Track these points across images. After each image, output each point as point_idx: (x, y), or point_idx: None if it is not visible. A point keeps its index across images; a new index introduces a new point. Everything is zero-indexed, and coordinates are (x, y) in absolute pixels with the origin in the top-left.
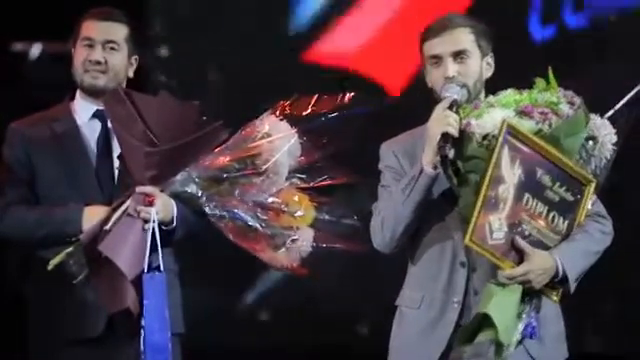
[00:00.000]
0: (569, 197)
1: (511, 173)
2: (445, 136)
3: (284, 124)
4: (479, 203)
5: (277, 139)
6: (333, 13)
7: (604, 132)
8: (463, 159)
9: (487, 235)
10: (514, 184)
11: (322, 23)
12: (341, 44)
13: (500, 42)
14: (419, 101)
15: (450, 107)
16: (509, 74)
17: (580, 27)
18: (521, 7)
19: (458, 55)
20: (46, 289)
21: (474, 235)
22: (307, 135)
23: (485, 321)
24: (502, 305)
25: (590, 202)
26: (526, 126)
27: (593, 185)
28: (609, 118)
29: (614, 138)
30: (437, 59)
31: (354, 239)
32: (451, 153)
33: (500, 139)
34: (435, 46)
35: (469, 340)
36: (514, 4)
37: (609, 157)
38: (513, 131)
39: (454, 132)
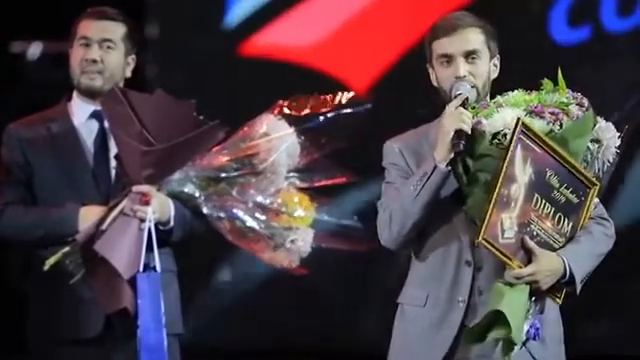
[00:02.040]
0: (574, 199)
1: (522, 172)
2: (459, 133)
3: (282, 123)
4: (493, 200)
5: (275, 138)
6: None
7: (608, 135)
8: (473, 157)
9: (499, 234)
10: (525, 184)
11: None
12: (292, 38)
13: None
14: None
15: (462, 105)
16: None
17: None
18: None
19: (469, 55)
20: (45, 289)
21: (486, 233)
22: (306, 134)
23: (497, 320)
24: (513, 304)
25: (593, 205)
26: (537, 126)
27: (597, 188)
28: (613, 122)
29: (618, 141)
30: (448, 58)
31: (354, 239)
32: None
33: (514, 136)
34: (446, 45)
35: (478, 340)
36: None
37: (612, 160)
38: (526, 130)
39: (468, 129)
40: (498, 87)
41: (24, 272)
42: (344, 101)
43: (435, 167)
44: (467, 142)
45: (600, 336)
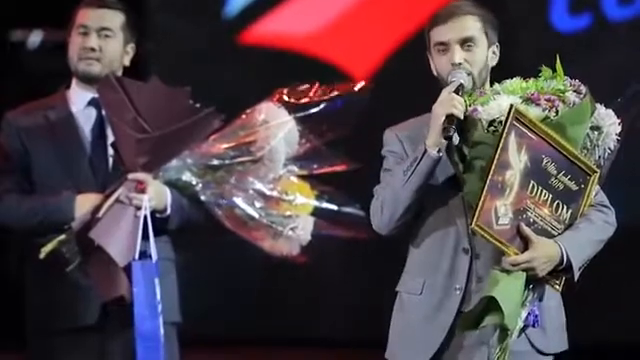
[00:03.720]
0: (573, 186)
1: (517, 159)
2: (450, 118)
3: (281, 111)
4: (485, 187)
5: (273, 126)
6: None
7: (609, 122)
8: (469, 145)
9: (493, 220)
10: (520, 170)
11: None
12: (292, 27)
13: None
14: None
15: (456, 92)
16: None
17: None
18: None
19: (465, 42)
20: (42, 277)
21: (480, 219)
22: (306, 122)
23: (490, 306)
24: (507, 290)
25: (593, 192)
26: (533, 113)
27: (597, 175)
28: (614, 108)
29: (618, 128)
30: (444, 46)
31: (355, 227)
32: (456, 139)
33: (507, 123)
34: (442, 33)
35: (473, 326)
36: None
37: (612, 147)
38: (520, 117)
39: (459, 114)
40: (499, 75)
41: (23, 261)
42: (344, 89)
43: (425, 152)
44: (458, 128)
45: (600, 324)
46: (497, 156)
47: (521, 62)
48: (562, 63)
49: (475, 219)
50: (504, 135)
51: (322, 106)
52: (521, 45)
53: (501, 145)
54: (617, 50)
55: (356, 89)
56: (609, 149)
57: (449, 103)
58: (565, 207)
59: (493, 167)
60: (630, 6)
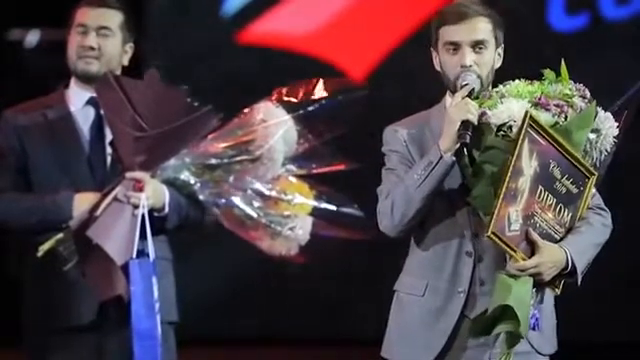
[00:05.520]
0: (574, 189)
1: (528, 165)
2: (465, 123)
3: (280, 110)
4: (502, 195)
5: (272, 125)
6: None
7: (607, 125)
8: (479, 149)
9: (505, 227)
10: (530, 176)
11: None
12: (290, 26)
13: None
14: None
15: (468, 95)
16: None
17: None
18: None
19: (477, 45)
20: (39, 276)
21: (494, 227)
22: (304, 122)
23: (505, 313)
24: (520, 296)
25: (591, 194)
26: (543, 118)
27: (595, 177)
28: (612, 112)
29: (616, 131)
30: (455, 46)
31: (354, 227)
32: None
33: (523, 130)
34: (454, 33)
35: (485, 332)
36: None
37: (609, 150)
38: (533, 123)
39: (474, 119)
40: (497, 74)
41: (21, 259)
42: (342, 87)
43: (441, 157)
44: (472, 133)
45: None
46: (513, 163)
47: (518, 62)
48: (560, 64)
49: (491, 227)
50: (519, 142)
51: (320, 105)
52: (518, 45)
53: (517, 152)
54: (615, 50)
55: (354, 87)
56: (605, 151)
57: (464, 108)
58: (566, 210)
59: (509, 175)
60: (627, 6)
